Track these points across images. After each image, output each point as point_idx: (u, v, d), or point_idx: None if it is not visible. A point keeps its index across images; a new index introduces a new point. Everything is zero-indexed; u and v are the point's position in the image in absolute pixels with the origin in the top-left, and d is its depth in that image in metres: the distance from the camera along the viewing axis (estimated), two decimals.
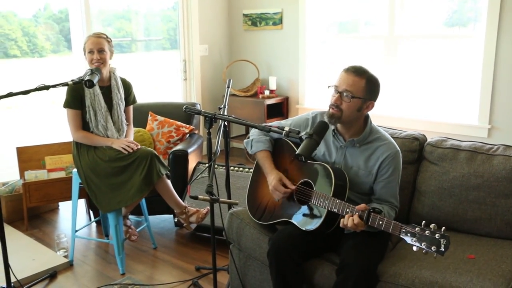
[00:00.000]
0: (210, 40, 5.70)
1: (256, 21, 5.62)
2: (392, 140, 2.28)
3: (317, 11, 5.24)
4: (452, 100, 4.53)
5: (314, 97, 5.43)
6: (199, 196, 2.16)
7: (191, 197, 2.16)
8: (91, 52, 3.01)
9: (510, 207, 2.25)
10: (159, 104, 4.22)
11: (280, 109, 5.53)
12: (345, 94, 2.13)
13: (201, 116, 3.78)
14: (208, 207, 3.12)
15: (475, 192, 2.32)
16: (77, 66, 4.64)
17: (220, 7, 5.78)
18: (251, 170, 3.52)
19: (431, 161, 2.49)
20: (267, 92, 5.41)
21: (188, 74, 5.58)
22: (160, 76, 5.61)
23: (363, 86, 2.14)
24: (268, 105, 5.30)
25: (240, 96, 5.48)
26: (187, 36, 5.47)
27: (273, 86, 5.46)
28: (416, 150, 2.54)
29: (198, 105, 4.22)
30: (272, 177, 2.31)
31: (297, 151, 2.05)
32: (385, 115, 4.70)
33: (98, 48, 3.01)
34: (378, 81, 2.21)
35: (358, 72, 2.16)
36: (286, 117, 5.57)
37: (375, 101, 2.21)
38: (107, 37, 3.10)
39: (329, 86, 2.24)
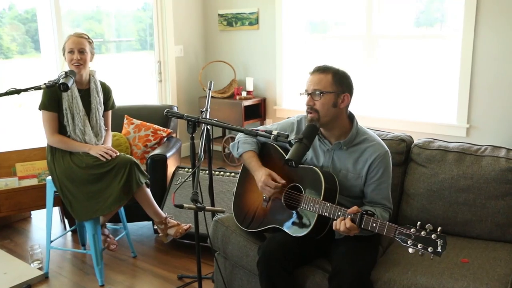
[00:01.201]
0: (185, 40, 5.58)
1: (231, 21, 5.53)
2: (381, 140, 2.23)
3: (294, 10, 5.19)
4: (431, 100, 4.54)
5: (291, 98, 5.38)
6: (185, 205, 2.06)
7: (176, 205, 2.05)
8: (71, 52, 2.88)
9: (500, 208, 2.23)
10: (135, 107, 4.09)
11: (257, 110, 5.46)
12: (314, 93, 2.11)
13: (178, 119, 3.73)
14: (191, 224, 3.02)
15: (465, 194, 2.29)
16: (46, 68, 4.47)
17: (194, 7, 5.66)
18: (233, 174, 3.46)
19: (419, 163, 2.46)
20: (244, 94, 5.33)
21: (163, 76, 5.45)
22: (133, 78, 5.46)
23: (330, 81, 2.11)
24: (246, 107, 5.22)
25: (216, 98, 5.38)
26: (162, 37, 5.34)
27: (250, 87, 5.39)
28: (403, 151, 2.51)
29: (175, 108, 4.11)
30: (261, 174, 2.22)
31: (287, 156, 1.98)
32: (363, 115, 4.67)
33: (79, 48, 2.88)
34: (345, 73, 2.17)
35: (322, 69, 2.15)
36: (264, 119, 5.51)
37: (350, 93, 2.16)
38: (88, 37, 2.97)
39: (300, 94, 2.21)
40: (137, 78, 5.50)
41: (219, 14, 5.62)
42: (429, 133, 4.22)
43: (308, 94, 2.13)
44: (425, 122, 4.49)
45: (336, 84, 2.11)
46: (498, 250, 2.15)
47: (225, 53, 5.69)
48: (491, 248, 2.17)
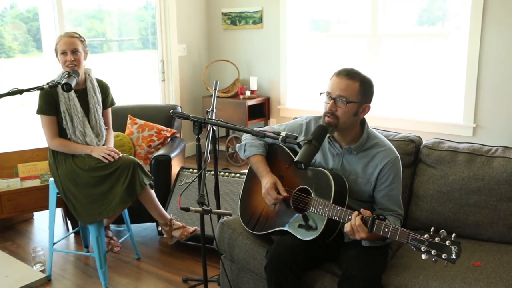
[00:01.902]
0: (188, 39, 5.54)
1: (235, 20, 5.48)
2: (391, 145, 2.18)
3: (298, 9, 5.14)
4: (437, 99, 4.49)
5: (296, 97, 5.33)
6: (191, 208, 2.01)
7: (182, 208, 2.01)
8: (64, 53, 2.81)
9: None
10: (138, 106, 4.05)
11: (261, 110, 5.41)
12: (339, 99, 2.03)
13: (182, 120, 3.69)
14: (196, 228, 2.98)
15: (476, 196, 2.25)
16: (48, 68, 4.43)
17: (198, 5, 5.62)
18: (238, 175, 3.41)
19: (429, 164, 2.41)
20: (248, 93, 5.28)
21: (166, 75, 5.41)
22: (136, 77, 5.41)
23: (357, 90, 2.04)
24: (249, 106, 5.17)
25: (220, 97, 5.33)
26: (165, 36, 5.30)
27: (254, 86, 5.34)
28: (412, 152, 2.46)
29: (179, 108, 4.07)
30: (266, 180, 2.19)
31: (296, 158, 1.93)
32: (368, 114, 4.62)
33: (72, 49, 2.81)
34: (371, 82, 2.11)
35: (350, 75, 2.05)
36: (268, 118, 5.47)
37: (370, 103, 2.12)
38: (80, 36, 2.90)
39: (321, 93, 2.13)
40: (140, 77, 5.46)
41: (222, 13, 5.57)
42: (435, 133, 4.17)
43: (331, 98, 2.05)
44: (431, 122, 4.44)
45: (361, 94, 2.05)
46: (510, 253, 2.11)
47: (228, 52, 5.65)
48: (504, 251, 2.12)
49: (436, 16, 4.63)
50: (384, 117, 4.63)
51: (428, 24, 4.65)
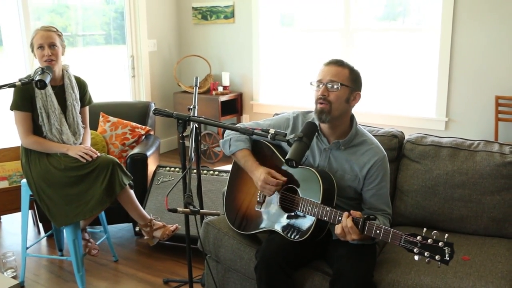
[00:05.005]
0: (158, 34, 5.41)
1: (206, 14, 5.39)
2: (379, 144, 2.18)
3: (270, 4, 5.10)
4: (410, 94, 4.55)
5: (268, 93, 5.30)
6: (178, 209, 1.95)
7: (169, 210, 1.94)
8: (41, 47, 2.69)
9: (496, 203, 2.21)
10: (110, 103, 3.92)
11: (234, 106, 5.35)
12: (331, 84, 2.02)
13: (156, 116, 3.59)
14: (177, 225, 2.91)
15: (460, 190, 2.27)
16: (9, 63, 4.25)
17: (168, 0, 5.50)
18: (216, 172, 3.36)
19: (412, 159, 2.43)
20: (220, 89, 5.21)
21: (136, 71, 5.27)
22: (104, 73, 5.23)
23: (347, 75, 2.05)
24: (222, 102, 5.11)
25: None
26: (134, 31, 5.16)
27: (226, 82, 5.28)
28: (395, 148, 2.47)
29: (153, 104, 3.97)
30: (260, 172, 2.12)
31: (288, 156, 1.89)
32: None
33: (49, 43, 2.69)
34: (359, 73, 2.13)
35: (339, 63, 2.08)
36: (241, 114, 5.42)
37: (360, 91, 2.12)
38: (57, 30, 2.78)
39: (311, 83, 2.11)
40: (108, 73, 5.28)
41: (193, 7, 5.47)
42: (408, 127, 4.22)
43: (323, 85, 2.04)
44: (403, 116, 4.50)
45: (352, 80, 2.06)
46: (496, 246, 2.14)
47: (200, 47, 5.56)
48: (489, 244, 2.15)
49: (398, 11, 4.68)
50: (358, 112, 4.63)
51: (389, 19, 4.69)
